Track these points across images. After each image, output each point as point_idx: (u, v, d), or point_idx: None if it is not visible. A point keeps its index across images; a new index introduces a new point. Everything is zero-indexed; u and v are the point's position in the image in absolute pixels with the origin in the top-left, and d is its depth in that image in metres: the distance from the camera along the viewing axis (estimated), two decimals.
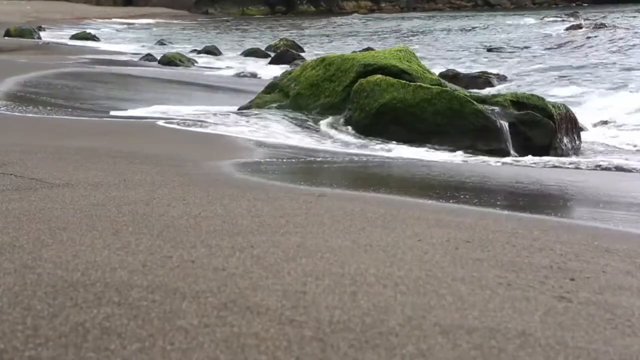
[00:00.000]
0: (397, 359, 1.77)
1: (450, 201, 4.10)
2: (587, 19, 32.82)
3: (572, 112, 8.02)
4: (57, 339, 1.76)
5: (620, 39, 23.21)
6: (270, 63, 19.38)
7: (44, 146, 5.01)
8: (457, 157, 6.90)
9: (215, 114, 8.23)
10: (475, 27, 34.84)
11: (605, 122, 9.66)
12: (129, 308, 1.97)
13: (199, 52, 22.95)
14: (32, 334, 1.79)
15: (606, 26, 27.71)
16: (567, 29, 28.75)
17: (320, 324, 1.94)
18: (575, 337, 1.98)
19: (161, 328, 1.86)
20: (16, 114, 7.55)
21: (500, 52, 22.28)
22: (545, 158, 7.00)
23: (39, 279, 2.16)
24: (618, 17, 35.84)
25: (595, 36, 24.49)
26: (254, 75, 15.98)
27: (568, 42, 23.56)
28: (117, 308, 1.97)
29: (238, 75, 16.29)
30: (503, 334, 1.95)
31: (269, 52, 22.42)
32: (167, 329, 1.85)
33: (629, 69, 16.10)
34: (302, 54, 21.39)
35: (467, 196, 4.36)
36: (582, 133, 8.13)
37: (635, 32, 24.97)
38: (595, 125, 9.44)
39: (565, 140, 7.59)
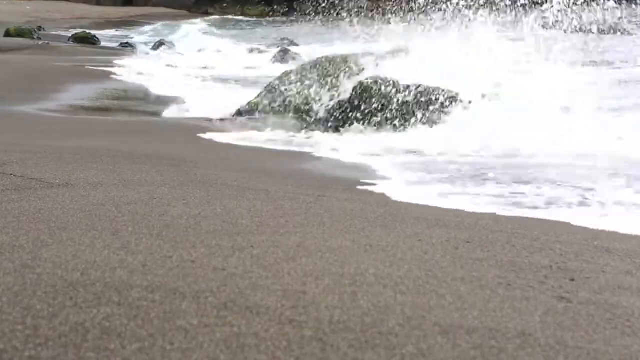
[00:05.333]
0: (397, 359, 1.77)
1: None
2: None
3: None
4: (57, 339, 1.76)
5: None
6: (270, 63, 19.38)
7: (44, 146, 5.00)
8: None
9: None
10: None
11: None
12: (129, 308, 1.97)
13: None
14: (32, 334, 1.79)
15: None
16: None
17: (320, 324, 1.94)
18: (575, 337, 1.98)
19: (161, 328, 1.86)
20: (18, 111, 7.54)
21: None
22: None
23: (39, 279, 2.15)
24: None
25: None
26: (253, 75, 15.98)
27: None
28: (117, 308, 1.97)
29: (237, 74, 16.28)
30: (503, 334, 1.95)
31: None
32: (167, 329, 1.86)
33: None
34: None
35: None
36: None
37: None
38: None
39: None
